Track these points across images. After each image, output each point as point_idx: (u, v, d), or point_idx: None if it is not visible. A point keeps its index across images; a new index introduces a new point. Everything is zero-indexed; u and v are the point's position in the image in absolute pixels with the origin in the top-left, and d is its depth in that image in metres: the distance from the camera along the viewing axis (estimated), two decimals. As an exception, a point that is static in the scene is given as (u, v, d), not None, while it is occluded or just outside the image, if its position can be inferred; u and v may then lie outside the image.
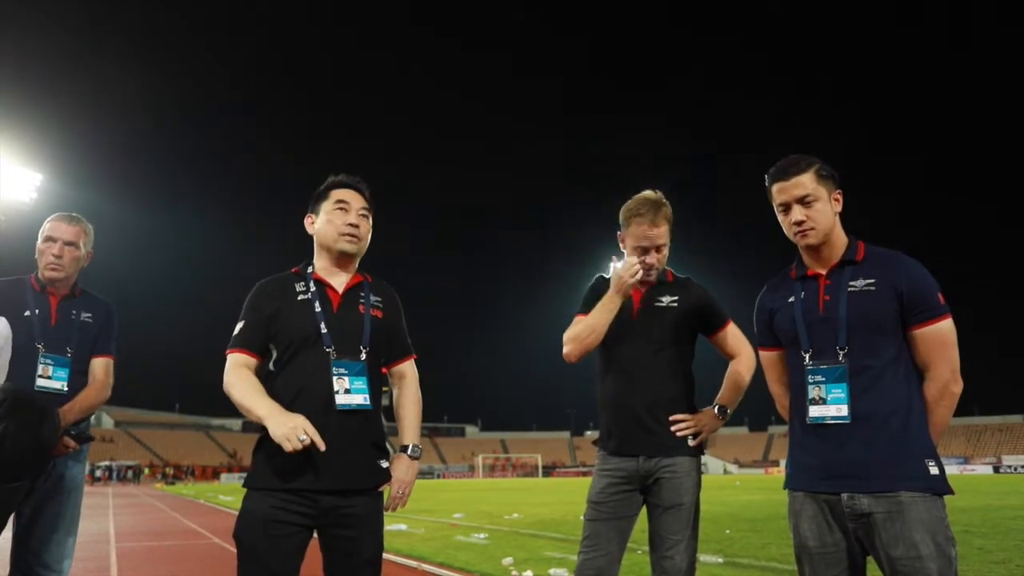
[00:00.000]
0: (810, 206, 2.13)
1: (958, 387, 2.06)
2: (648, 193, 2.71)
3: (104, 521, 13.85)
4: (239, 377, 2.14)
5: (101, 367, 3.10)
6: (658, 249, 2.67)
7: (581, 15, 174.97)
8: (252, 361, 2.20)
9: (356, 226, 2.31)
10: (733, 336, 2.78)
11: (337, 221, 2.30)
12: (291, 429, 1.95)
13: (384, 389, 2.36)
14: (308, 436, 1.96)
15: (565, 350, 2.67)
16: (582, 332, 2.64)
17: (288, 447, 1.93)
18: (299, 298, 2.25)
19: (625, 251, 2.73)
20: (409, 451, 2.36)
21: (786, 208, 2.18)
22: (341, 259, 2.33)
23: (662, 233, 2.67)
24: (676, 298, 2.70)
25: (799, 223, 2.14)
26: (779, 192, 2.18)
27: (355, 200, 2.34)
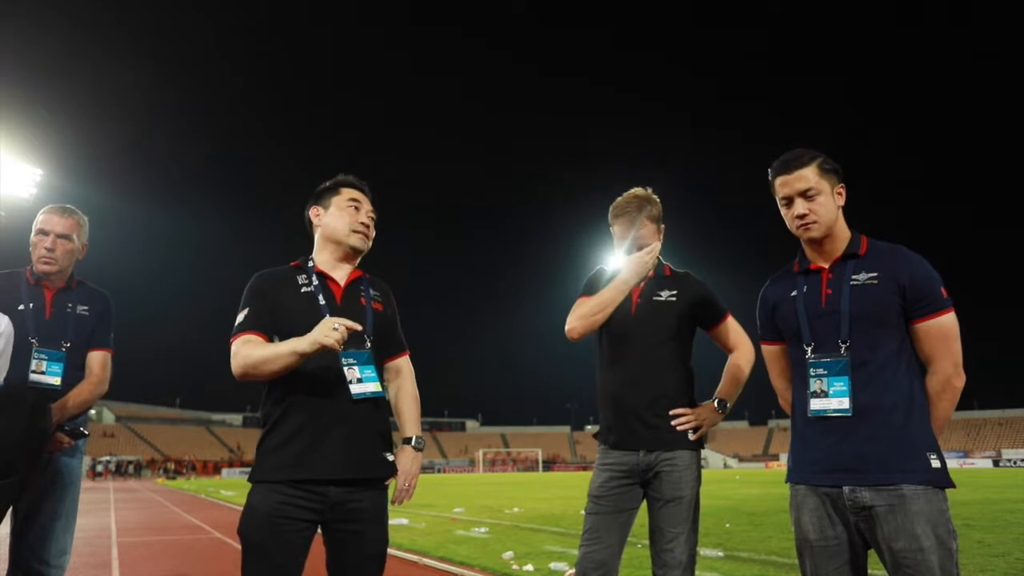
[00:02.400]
0: (813, 200, 2.13)
1: (960, 381, 2.06)
2: (636, 191, 2.72)
3: (105, 516, 13.88)
4: (248, 347, 2.10)
5: (98, 361, 3.05)
6: (642, 247, 2.68)
7: (581, 10, 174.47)
8: (261, 341, 2.14)
9: (369, 226, 2.37)
10: (732, 329, 2.78)
11: (349, 217, 2.34)
12: (325, 328, 2.00)
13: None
14: (342, 325, 2.00)
15: (569, 326, 2.65)
16: (592, 310, 2.62)
17: (332, 341, 1.97)
18: (302, 290, 2.25)
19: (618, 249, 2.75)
20: (413, 443, 2.36)
21: (788, 201, 2.17)
22: (349, 254, 2.35)
23: (645, 234, 2.68)
24: (675, 292, 2.70)
25: (801, 216, 2.14)
26: (782, 185, 2.17)
27: (365, 201, 2.40)
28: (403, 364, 2.47)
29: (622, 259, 2.74)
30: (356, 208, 2.36)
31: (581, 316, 2.64)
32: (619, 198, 2.74)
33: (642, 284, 2.72)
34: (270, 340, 2.16)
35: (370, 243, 2.39)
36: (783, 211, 2.21)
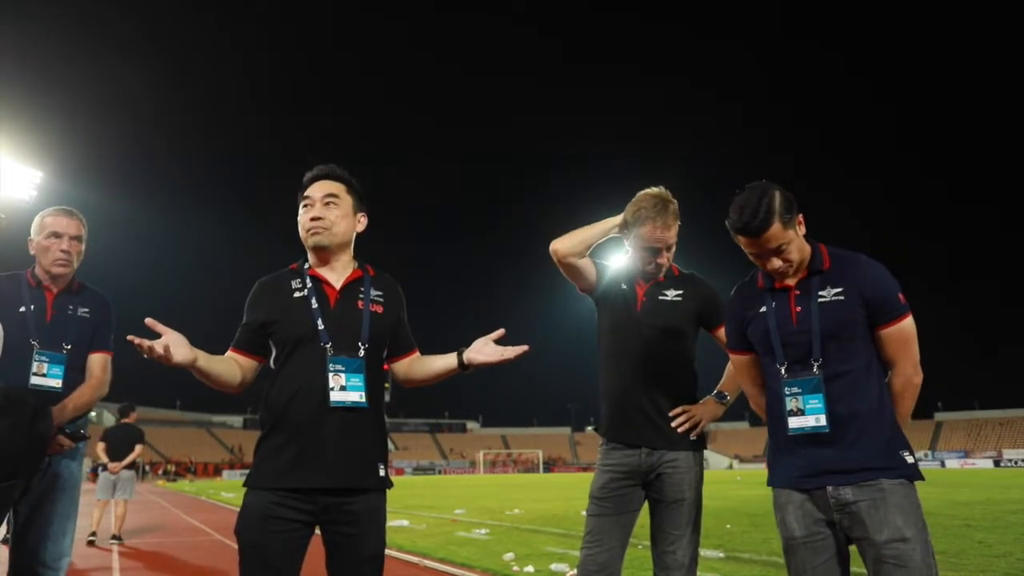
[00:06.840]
0: (785, 251, 2.11)
1: (919, 378, 2.16)
2: (654, 191, 2.69)
3: (106, 518, 13.86)
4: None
5: (99, 363, 3.05)
6: (668, 248, 2.68)
7: (583, 6, 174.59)
8: (240, 358, 2.22)
9: (320, 218, 2.24)
10: None
11: (302, 219, 2.27)
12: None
13: (386, 386, 2.35)
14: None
15: (552, 247, 2.73)
16: (578, 231, 2.74)
17: None
18: (295, 295, 2.23)
19: (631, 249, 2.73)
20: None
21: (759, 255, 2.15)
22: (321, 254, 2.28)
23: (672, 234, 2.67)
24: (681, 292, 2.71)
25: (777, 270, 2.14)
26: (748, 245, 2.14)
27: (318, 191, 2.26)
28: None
29: (629, 258, 2.75)
30: (308, 206, 2.25)
31: (567, 235, 2.72)
32: (638, 198, 2.70)
33: (648, 282, 2.73)
34: (260, 353, 2.24)
35: (334, 230, 2.24)
36: (752, 258, 2.18)
